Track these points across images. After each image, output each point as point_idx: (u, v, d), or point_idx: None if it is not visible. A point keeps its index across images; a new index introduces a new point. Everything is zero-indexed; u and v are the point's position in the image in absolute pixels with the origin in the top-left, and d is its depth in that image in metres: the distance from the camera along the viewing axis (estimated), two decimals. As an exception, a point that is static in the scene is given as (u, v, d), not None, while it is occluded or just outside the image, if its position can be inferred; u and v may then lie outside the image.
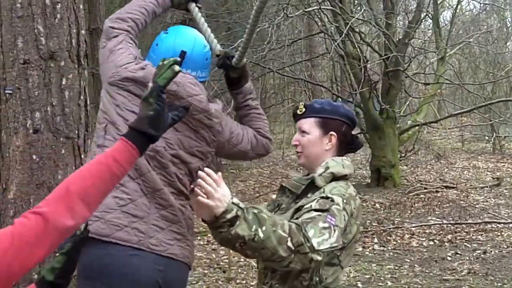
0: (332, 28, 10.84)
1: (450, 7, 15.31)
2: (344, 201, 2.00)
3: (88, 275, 2.30)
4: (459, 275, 5.87)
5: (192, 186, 1.90)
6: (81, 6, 3.70)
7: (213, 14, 11.80)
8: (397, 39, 11.48)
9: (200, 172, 1.84)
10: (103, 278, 2.28)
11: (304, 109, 2.18)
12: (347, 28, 9.36)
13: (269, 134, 2.67)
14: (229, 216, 1.81)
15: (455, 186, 10.96)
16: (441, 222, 8.06)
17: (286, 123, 15.54)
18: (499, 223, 7.95)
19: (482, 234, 7.48)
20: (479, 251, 6.71)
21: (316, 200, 1.98)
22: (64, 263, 1.54)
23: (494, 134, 15.71)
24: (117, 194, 2.31)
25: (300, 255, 1.85)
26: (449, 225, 7.92)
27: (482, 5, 16.30)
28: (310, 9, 10.13)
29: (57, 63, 3.55)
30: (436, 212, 8.87)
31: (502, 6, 17.62)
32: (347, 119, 2.18)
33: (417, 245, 7.13)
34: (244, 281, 5.76)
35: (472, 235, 7.44)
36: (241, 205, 1.85)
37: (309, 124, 2.16)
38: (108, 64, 2.46)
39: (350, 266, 6.11)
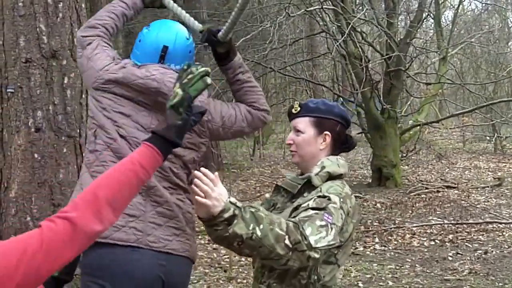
0: (334, 27, 10.84)
1: (451, 7, 15.30)
2: (341, 200, 2.02)
3: (90, 272, 2.32)
4: (460, 275, 5.87)
5: (190, 178, 1.91)
6: (83, 5, 3.70)
7: (215, 14, 11.81)
8: (398, 38, 11.48)
9: (196, 172, 1.85)
10: (105, 275, 2.29)
11: (299, 108, 2.20)
12: (349, 27, 9.35)
13: (264, 105, 2.61)
14: (226, 215, 1.82)
15: (456, 186, 10.96)
16: (442, 222, 8.06)
17: (287, 123, 15.49)
18: (500, 223, 7.95)
19: (483, 234, 7.48)
20: (480, 251, 6.70)
21: (313, 199, 2.00)
22: None
23: (496, 134, 15.71)
24: None
25: (298, 252, 1.86)
26: (450, 225, 7.92)
27: (483, 5, 16.30)
28: (311, 8, 10.13)
29: (59, 62, 3.56)
30: (437, 212, 8.86)
31: (503, 6, 17.61)
32: (341, 119, 2.20)
33: (418, 245, 7.13)
34: (245, 281, 5.77)
35: (473, 235, 7.44)
36: (238, 204, 1.86)
37: (304, 123, 2.18)
38: (89, 71, 2.49)
39: (351, 266, 6.12)
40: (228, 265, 6.08)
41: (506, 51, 17.58)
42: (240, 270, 6.10)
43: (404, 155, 12.67)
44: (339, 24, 10.13)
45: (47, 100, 3.51)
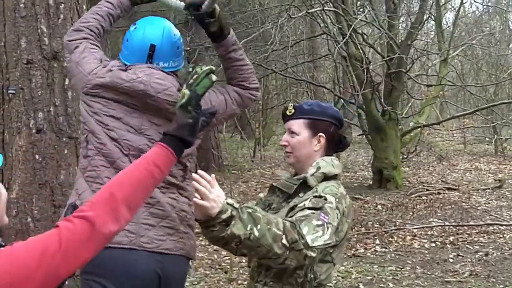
0: (335, 29, 10.85)
1: (452, 8, 15.29)
2: (337, 200, 2.05)
3: (90, 271, 2.31)
4: (461, 277, 5.86)
5: (190, 171, 1.93)
6: (84, 7, 3.71)
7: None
8: (399, 40, 11.49)
9: (193, 175, 1.88)
10: (107, 274, 2.31)
11: (293, 110, 2.22)
12: (350, 29, 9.36)
13: (254, 83, 2.61)
14: (224, 216, 1.85)
15: (457, 188, 10.95)
16: (443, 224, 8.05)
17: (288, 124, 15.50)
18: (501, 225, 7.94)
19: (484, 236, 7.47)
20: (481, 253, 6.69)
21: (309, 199, 2.03)
22: None
23: (496, 136, 15.71)
24: None
25: (295, 251, 1.89)
26: (451, 227, 7.91)
27: (484, 7, 16.32)
28: (312, 10, 10.14)
29: (60, 63, 3.56)
30: (438, 214, 8.86)
31: (504, 8, 17.62)
32: (335, 120, 2.23)
33: (419, 246, 7.12)
34: (245, 282, 5.76)
35: (474, 237, 7.43)
36: (236, 205, 1.89)
37: (298, 125, 2.20)
38: (78, 75, 2.50)
39: (351, 268, 6.12)
40: (229, 267, 6.08)
41: (507, 53, 17.57)
42: (241, 271, 6.10)
43: (405, 156, 12.67)
44: (340, 26, 10.14)
45: (48, 101, 3.52)
